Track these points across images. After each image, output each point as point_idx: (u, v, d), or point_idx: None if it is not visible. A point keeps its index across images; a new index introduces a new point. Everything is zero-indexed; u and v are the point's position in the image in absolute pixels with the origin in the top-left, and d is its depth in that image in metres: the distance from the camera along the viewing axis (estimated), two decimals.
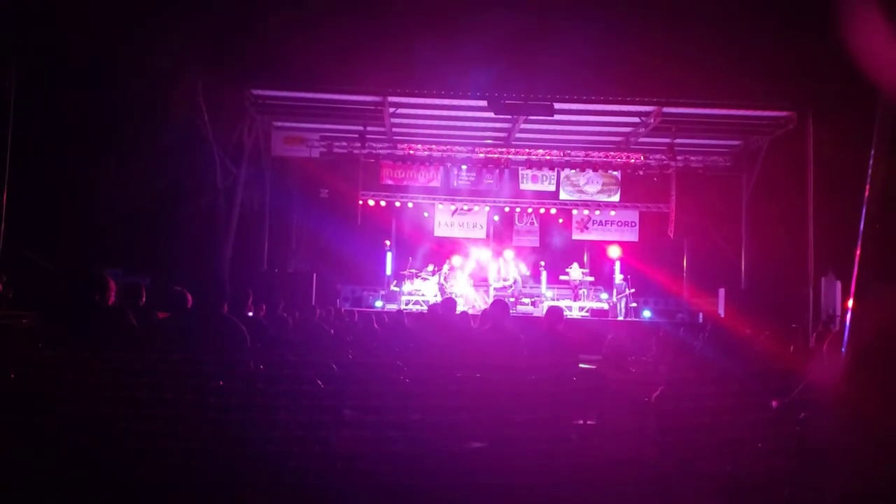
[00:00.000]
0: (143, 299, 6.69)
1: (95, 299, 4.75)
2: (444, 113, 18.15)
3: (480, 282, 20.07)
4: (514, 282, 19.34)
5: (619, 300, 19.08)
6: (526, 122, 18.10)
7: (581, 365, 7.02)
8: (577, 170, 20.67)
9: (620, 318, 18.44)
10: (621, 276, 19.55)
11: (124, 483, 3.72)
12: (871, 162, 2.73)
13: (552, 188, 20.90)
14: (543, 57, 14.53)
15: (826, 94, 14.65)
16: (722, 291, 18.18)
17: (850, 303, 2.84)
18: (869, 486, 2.63)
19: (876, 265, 2.65)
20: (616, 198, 21.14)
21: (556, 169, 20.66)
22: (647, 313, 19.64)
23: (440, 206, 21.34)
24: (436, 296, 18.06)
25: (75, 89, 13.74)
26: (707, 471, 4.08)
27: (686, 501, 4.09)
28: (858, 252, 2.67)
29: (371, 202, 20.68)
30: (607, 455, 4.61)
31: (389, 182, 20.64)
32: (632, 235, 21.54)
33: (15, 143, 12.73)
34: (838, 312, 16.00)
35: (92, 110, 14.21)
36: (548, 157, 20.47)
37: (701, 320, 17.73)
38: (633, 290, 19.11)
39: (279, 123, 19.29)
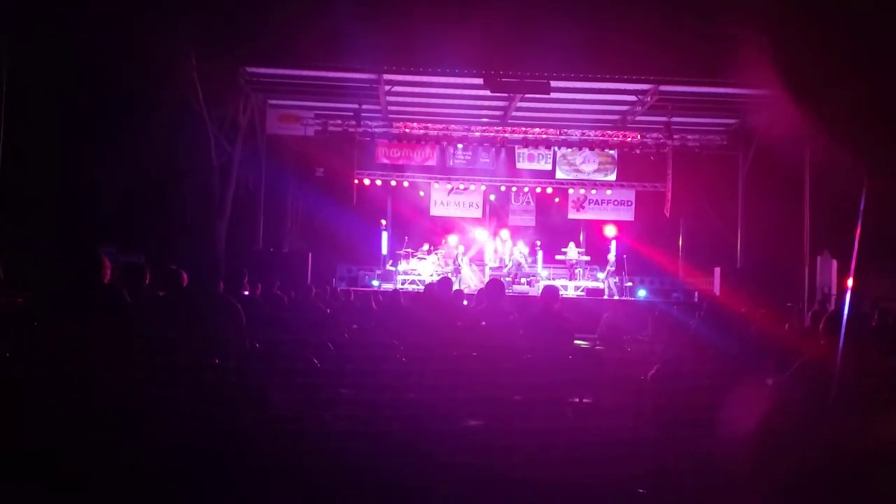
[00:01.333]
0: (147, 280, 6.66)
1: (90, 277, 4.72)
2: (440, 91, 18.06)
3: (476, 261, 20.06)
4: (514, 263, 19.29)
5: (608, 279, 19.09)
6: (522, 100, 18.02)
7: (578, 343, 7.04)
8: (574, 149, 20.62)
9: (615, 297, 18.45)
10: (613, 257, 19.51)
11: (118, 460, 3.72)
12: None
13: (548, 167, 20.87)
14: (540, 34, 14.44)
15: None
16: (718, 270, 18.22)
17: (850, 281, 2.83)
18: (861, 466, 2.64)
19: (877, 243, 2.63)
20: (612, 177, 21.12)
21: (552, 148, 20.62)
22: (642, 293, 19.65)
23: (436, 186, 21.28)
24: (431, 275, 18.06)
25: (68, 68, 13.63)
26: (702, 449, 4.09)
27: (682, 480, 4.10)
28: (859, 230, 2.66)
29: (367, 181, 20.62)
30: (603, 433, 4.63)
31: (385, 161, 20.58)
32: (628, 215, 21.53)
33: (8, 123, 12.64)
34: (833, 291, 16.06)
35: (86, 89, 14.11)
36: (544, 136, 20.39)
37: (697, 299, 17.77)
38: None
39: (274, 101, 19.19)
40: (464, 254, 19.57)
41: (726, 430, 4.02)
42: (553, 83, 16.20)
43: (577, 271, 19.41)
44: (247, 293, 8.23)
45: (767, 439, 3.52)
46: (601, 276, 19.63)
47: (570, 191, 21.50)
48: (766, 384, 4.53)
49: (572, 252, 19.65)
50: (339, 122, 19.53)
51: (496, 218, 21.59)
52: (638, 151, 20.51)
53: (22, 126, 13.05)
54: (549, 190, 21.44)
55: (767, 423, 3.60)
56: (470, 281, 18.81)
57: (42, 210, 14.39)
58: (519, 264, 19.19)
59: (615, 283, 19.00)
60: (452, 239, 20.05)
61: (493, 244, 20.29)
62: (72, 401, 3.85)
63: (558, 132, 20.30)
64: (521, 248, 19.56)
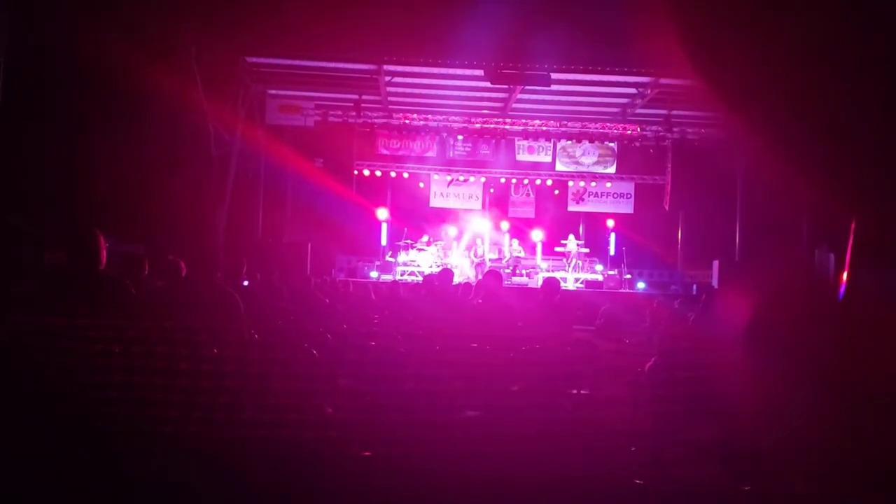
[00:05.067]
0: (146, 270, 6.67)
1: (85, 256, 4.66)
2: (440, 82, 18.02)
3: (475, 253, 20.06)
4: (513, 257, 19.32)
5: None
6: (523, 92, 18.00)
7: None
8: (574, 141, 20.63)
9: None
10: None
11: (116, 451, 3.73)
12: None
13: (548, 159, 20.87)
14: (541, 26, 14.41)
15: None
16: (716, 263, 18.22)
17: (845, 275, 2.85)
18: (860, 454, 2.65)
19: (871, 237, 2.66)
20: (612, 169, 21.13)
21: (552, 140, 20.63)
22: (641, 285, 19.69)
23: (436, 177, 21.29)
24: (430, 266, 18.08)
25: (66, 57, 13.58)
26: (700, 440, 4.12)
27: (679, 470, 4.12)
28: (854, 225, 2.68)
29: (366, 172, 20.62)
30: (601, 424, 4.64)
31: (385, 152, 20.58)
32: (627, 207, 21.55)
33: (4, 112, 12.60)
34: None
35: (84, 78, 14.05)
36: (544, 128, 20.40)
37: (695, 291, 17.79)
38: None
39: (274, 91, 19.15)
40: (463, 246, 19.61)
41: (724, 421, 4.03)
42: (553, 75, 16.17)
43: (576, 263, 19.44)
44: (246, 283, 8.23)
45: (764, 429, 3.54)
46: (599, 268, 19.72)
47: (570, 183, 21.52)
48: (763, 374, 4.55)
49: (571, 244, 19.68)
50: (339, 112, 19.52)
51: (496, 209, 21.58)
52: (637, 144, 20.53)
53: (19, 116, 13.00)
54: (549, 182, 21.46)
55: (764, 413, 3.62)
56: (469, 273, 18.82)
57: (39, 201, 14.35)
58: (517, 257, 19.25)
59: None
60: (452, 230, 20.07)
61: (493, 236, 20.30)
62: (68, 390, 3.85)
63: (558, 124, 20.30)
64: (517, 247, 19.59)
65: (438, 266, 17.01)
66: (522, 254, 19.61)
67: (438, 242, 19.53)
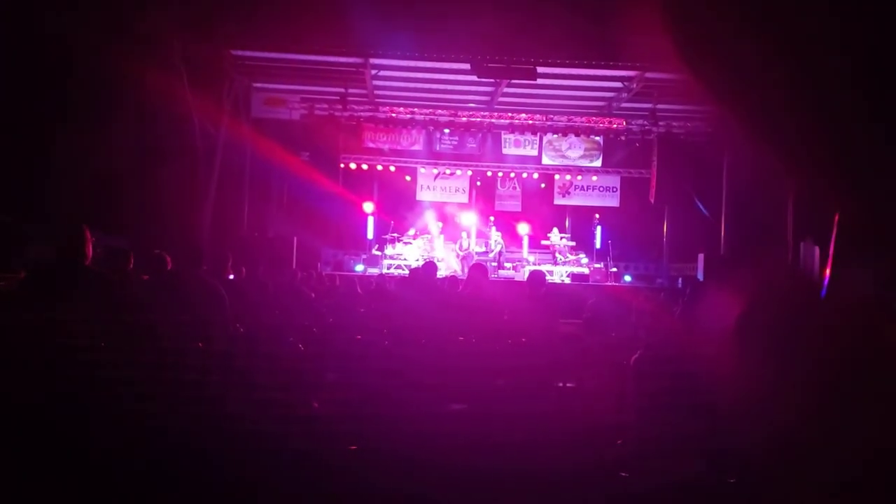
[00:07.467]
0: (131, 264, 6.65)
1: (70, 251, 4.65)
2: (427, 76, 17.98)
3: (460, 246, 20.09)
4: (500, 251, 19.37)
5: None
6: (509, 86, 18.00)
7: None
8: (560, 135, 20.65)
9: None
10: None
11: (100, 447, 3.71)
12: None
13: (535, 153, 20.92)
14: (528, 20, 14.41)
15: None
16: (701, 256, 18.31)
17: (828, 270, 2.86)
18: (847, 450, 2.67)
19: (854, 231, 2.67)
20: (598, 163, 21.20)
21: (538, 134, 20.65)
22: (627, 278, 19.78)
23: (422, 170, 21.28)
24: (417, 259, 18.08)
25: (50, 50, 13.47)
26: (686, 432, 4.14)
27: (664, 462, 4.15)
28: (837, 219, 2.68)
29: (353, 165, 20.58)
30: (586, 417, 4.66)
31: (371, 145, 20.56)
32: (613, 201, 21.64)
33: None
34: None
35: (68, 71, 13.94)
36: (530, 122, 20.41)
37: (680, 284, 17.87)
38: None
39: (259, 84, 19.06)
40: (448, 239, 19.64)
41: (710, 414, 4.06)
42: (539, 69, 16.19)
43: (558, 257, 19.50)
44: (231, 277, 8.21)
45: (749, 423, 3.56)
46: (585, 261, 19.77)
47: (556, 176, 21.57)
48: (748, 369, 4.57)
49: (555, 237, 19.74)
50: (325, 105, 19.44)
51: (482, 203, 21.61)
52: (623, 138, 20.56)
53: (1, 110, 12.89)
54: (536, 175, 21.51)
55: (749, 407, 3.64)
56: (455, 266, 18.84)
57: (22, 194, 14.23)
58: (501, 251, 19.29)
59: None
60: (438, 224, 20.07)
61: (479, 229, 20.32)
62: (50, 386, 3.84)
63: (544, 118, 20.31)
64: (498, 238, 19.63)
65: (425, 259, 17.00)
66: (502, 245, 19.63)
67: (425, 236, 19.53)
